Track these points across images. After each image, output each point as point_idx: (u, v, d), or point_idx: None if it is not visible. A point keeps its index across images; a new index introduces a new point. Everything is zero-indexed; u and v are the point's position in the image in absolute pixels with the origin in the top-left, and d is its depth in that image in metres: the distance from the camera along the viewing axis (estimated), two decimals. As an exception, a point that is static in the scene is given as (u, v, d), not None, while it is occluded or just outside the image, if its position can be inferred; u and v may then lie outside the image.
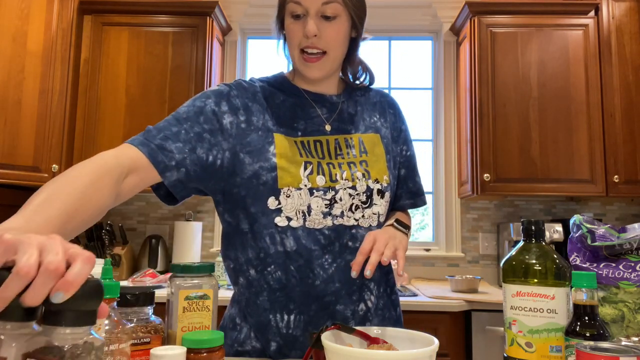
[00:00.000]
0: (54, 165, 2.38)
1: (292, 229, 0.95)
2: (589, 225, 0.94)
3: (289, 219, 0.95)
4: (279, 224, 0.95)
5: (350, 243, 0.98)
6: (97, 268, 0.95)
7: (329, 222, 0.96)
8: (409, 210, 1.18)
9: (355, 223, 0.98)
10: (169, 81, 2.56)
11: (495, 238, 2.80)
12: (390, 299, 1.07)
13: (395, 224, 1.01)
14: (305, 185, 0.96)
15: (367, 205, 1.00)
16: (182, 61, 2.57)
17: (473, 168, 2.51)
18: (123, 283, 2.36)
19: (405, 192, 1.13)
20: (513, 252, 0.80)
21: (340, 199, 0.97)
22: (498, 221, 2.80)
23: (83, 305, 0.45)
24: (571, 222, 0.97)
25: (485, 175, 2.44)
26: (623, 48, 2.52)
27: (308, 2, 0.95)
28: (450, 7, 2.92)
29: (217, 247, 2.84)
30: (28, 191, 2.66)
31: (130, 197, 0.86)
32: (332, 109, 1.06)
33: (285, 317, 0.95)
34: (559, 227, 2.41)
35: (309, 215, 0.95)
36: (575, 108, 2.48)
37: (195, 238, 2.66)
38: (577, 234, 0.95)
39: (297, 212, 0.95)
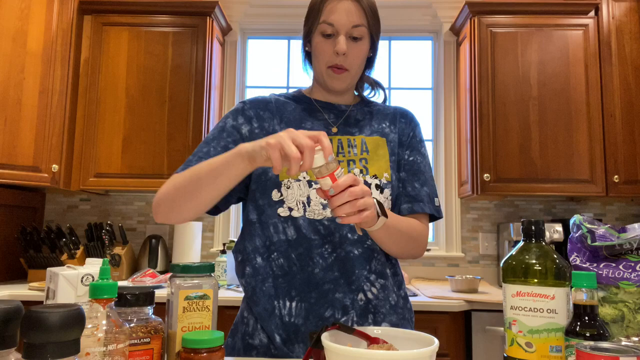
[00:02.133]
0: (54, 165, 2.38)
1: (294, 218, 1.02)
2: (589, 225, 0.94)
3: (290, 209, 1.03)
4: (281, 214, 1.03)
5: (349, 235, 1.03)
6: (95, 268, 0.95)
7: (328, 213, 1.03)
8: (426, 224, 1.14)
9: None
10: (169, 81, 2.56)
11: (495, 238, 2.79)
12: (401, 297, 1.09)
13: (377, 200, 0.95)
14: (304, 177, 1.03)
15: None
16: (182, 61, 2.57)
17: (473, 168, 2.51)
18: (123, 283, 2.36)
19: (404, 196, 1.12)
20: (513, 252, 0.80)
21: None
22: (498, 221, 2.80)
23: (65, 336, 0.44)
24: (571, 222, 0.97)
25: (485, 175, 2.44)
26: (623, 48, 2.52)
27: (340, 25, 1.05)
28: (450, 7, 2.93)
29: (217, 247, 2.84)
30: (28, 191, 2.66)
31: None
32: (339, 115, 1.14)
33: (288, 303, 1.01)
34: (559, 227, 2.41)
35: (309, 205, 1.03)
36: (575, 108, 2.48)
37: (195, 238, 2.66)
38: (577, 234, 0.95)
39: (298, 203, 1.03)
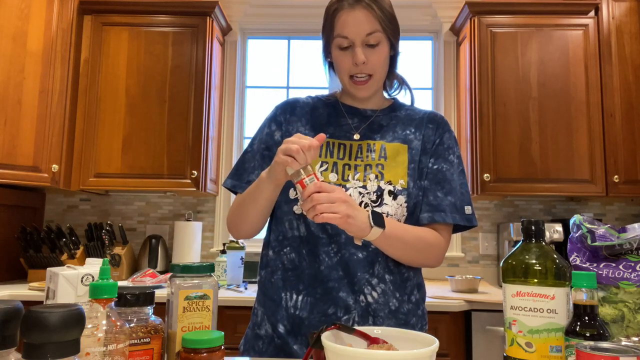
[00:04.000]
0: (54, 165, 2.38)
1: (305, 216, 1.05)
2: (589, 225, 0.94)
3: None
4: (295, 212, 1.08)
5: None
6: (95, 268, 0.95)
7: None
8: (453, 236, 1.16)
9: None
10: (169, 81, 2.56)
11: (495, 238, 2.79)
12: (408, 303, 1.09)
13: (372, 211, 0.97)
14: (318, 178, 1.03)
15: (376, 204, 1.05)
16: (182, 61, 2.57)
17: (473, 168, 2.51)
18: (123, 283, 2.36)
19: (425, 205, 1.10)
20: (513, 252, 0.80)
21: (350, 196, 1.03)
22: (498, 221, 2.80)
23: (65, 336, 0.44)
24: (571, 222, 0.97)
25: (485, 175, 2.44)
26: (623, 48, 2.52)
27: (354, 36, 1.07)
28: (450, 7, 2.92)
29: (217, 247, 2.84)
30: (28, 191, 2.66)
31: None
32: (364, 120, 1.16)
33: (294, 296, 1.06)
34: (559, 227, 2.41)
35: None
36: (575, 108, 2.48)
37: (195, 238, 2.66)
38: (577, 234, 0.95)
39: None
